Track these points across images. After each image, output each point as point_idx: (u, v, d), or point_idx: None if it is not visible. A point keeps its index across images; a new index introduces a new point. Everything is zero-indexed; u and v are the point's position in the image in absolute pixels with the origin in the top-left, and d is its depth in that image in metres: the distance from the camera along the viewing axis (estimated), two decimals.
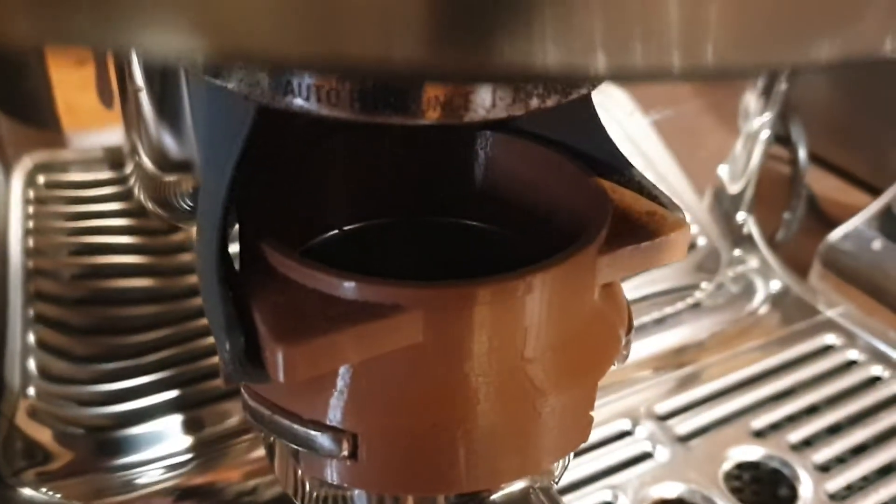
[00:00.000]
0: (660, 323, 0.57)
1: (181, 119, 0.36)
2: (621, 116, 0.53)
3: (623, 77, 0.18)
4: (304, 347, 0.22)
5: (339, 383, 0.25)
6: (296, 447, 0.26)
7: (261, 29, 0.13)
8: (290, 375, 0.23)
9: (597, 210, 0.27)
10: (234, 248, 0.27)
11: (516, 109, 0.23)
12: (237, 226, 0.27)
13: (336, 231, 0.31)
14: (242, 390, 0.27)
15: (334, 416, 0.25)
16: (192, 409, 0.45)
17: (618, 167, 0.29)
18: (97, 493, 0.43)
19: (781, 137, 0.65)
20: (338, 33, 0.13)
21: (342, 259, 0.26)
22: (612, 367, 0.28)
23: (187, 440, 0.45)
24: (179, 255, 0.41)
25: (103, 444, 0.43)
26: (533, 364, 0.26)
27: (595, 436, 0.49)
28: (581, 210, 0.28)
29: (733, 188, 0.61)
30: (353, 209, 0.31)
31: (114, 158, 0.38)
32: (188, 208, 0.39)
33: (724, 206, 0.61)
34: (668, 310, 0.58)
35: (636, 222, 0.28)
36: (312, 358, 0.23)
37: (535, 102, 0.23)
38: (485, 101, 0.22)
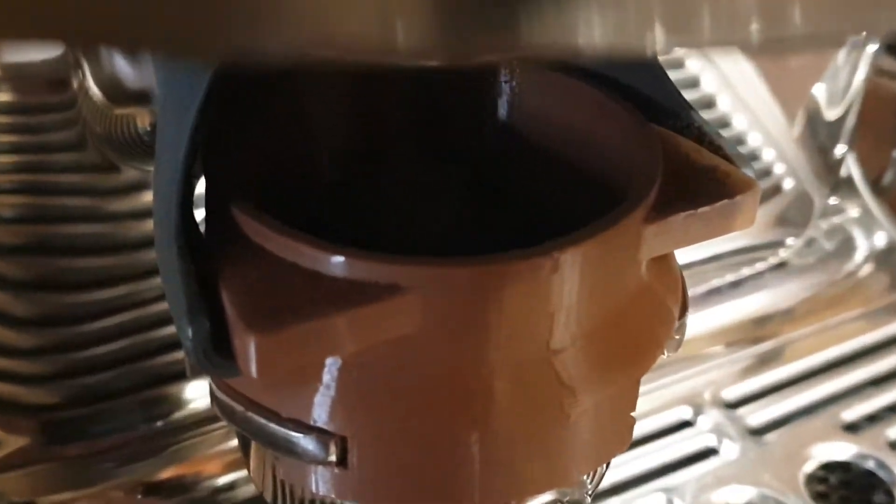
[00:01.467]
0: (735, 287, 0.57)
1: None
2: None
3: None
4: (281, 336, 0.23)
5: (326, 377, 0.26)
6: (274, 451, 0.27)
7: None
8: (264, 369, 0.23)
9: (644, 165, 0.27)
10: (199, 212, 0.27)
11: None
12: (203, 181, 0.28)
13: (324, 190, 0.32)
14: (210, 379, 0.28)
15: (319, 415, 0.26)
16: (156, 387, 0.46)
17: (673, 109, 0.30)
18: (45, 487, 0.44)
19: (895, 47, 0.64)
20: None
21: (331, 226, 0.27)
22: (662, 357, 0.29)
23: (151, 425, 0.46)
24: (136, 195, 0.42)
25: (50, 429, 0.45)
26: (561, 356, 0.26)
27: (646, 426, 0.49)
28: (625, 164, 0.29)
29: (831, 113, 0.60)
30: (345, 162, 0.32)
31: (56, 77, 0.38)
32: (144, 144, 0.39)
33: (818, 137, 0.61)
34: (746, 271, 0.58)
35: (693, 181, 0.28)
36: (292, 349, 0.23)
37: None
38: None
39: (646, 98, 0.30)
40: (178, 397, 0.46)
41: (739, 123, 0.56)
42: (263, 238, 0.25)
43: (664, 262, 0.29)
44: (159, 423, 0.46)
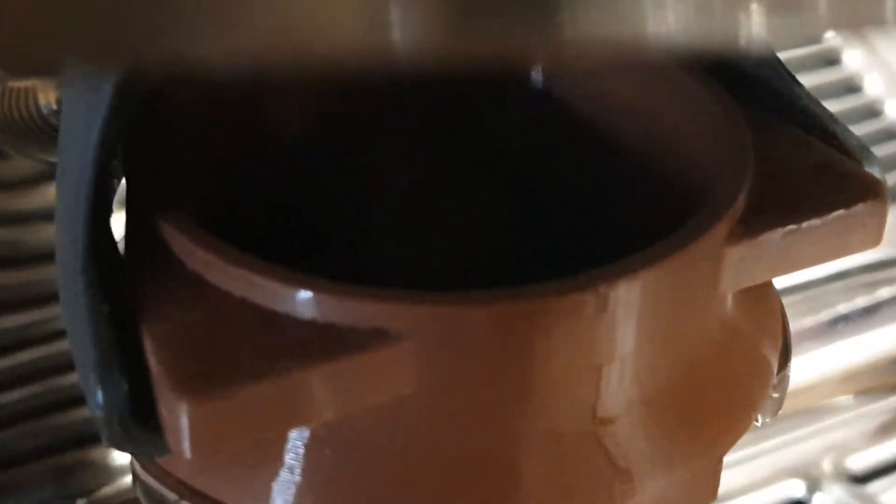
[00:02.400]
0: (867, 315, 0.57)
1: None
2: None
3: None
4: (225, 402, 0.23)
5: (289, 457, 0.25)
6: None
7: None
8: (201, 446, 0.23)
9: (728, 162, 0.27)
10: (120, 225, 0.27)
11: None
12: (124, 185, 0.28)
13: (294, 202, 0.32)
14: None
15: None
16: (74, 450, 0.46)
17: (769, 83, 0.30)
18: None
19: None
20: None
21: (298, 246, 0.27)
22: (755, 425, 0.29)
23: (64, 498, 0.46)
24: (35, 191, 0.42)
25: None
26: (612, 427, 0.26)
27: None
28: (701, 160, 0.28)
29: None
30: (325, 163, 0.32)
31: None
32: (49, 127, 0.39)
33: None
34: (884, 293, 0.58)
35: (797, 183, 0.28)
36: (240, 419, 0.23)
37: None
38: None
39: (730, 69, 0.30)
40: (104, 465, 0.47)
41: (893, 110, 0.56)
42: (203, 265, 0.25)
43: (757, 293, 0.29)
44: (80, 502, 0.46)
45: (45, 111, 0.39)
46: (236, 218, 0.28)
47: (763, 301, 0.29)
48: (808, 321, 0.51)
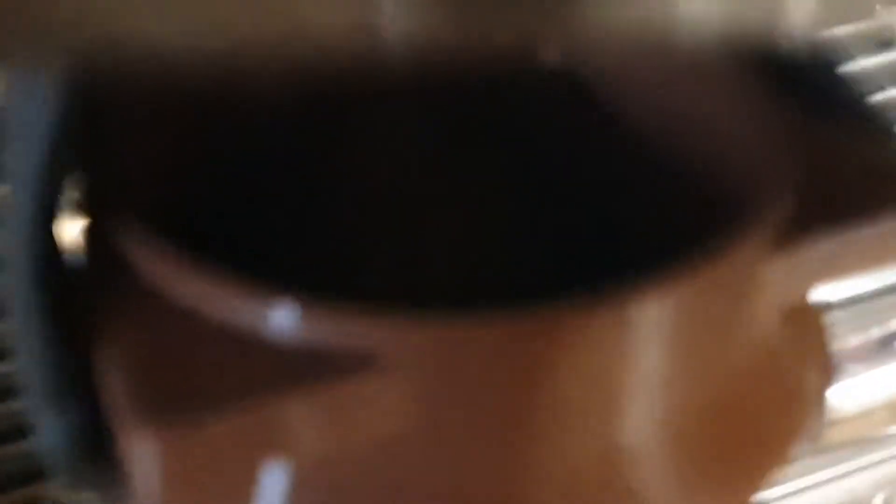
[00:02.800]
0: None
1: None
2: None
3: None
4: (194, 434, 0.23)
5: (266, 495, 0.25)
6: None
7: None
8: (168, 484, 0.23)
9: (772, 164, 0.28)
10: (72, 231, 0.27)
11: None
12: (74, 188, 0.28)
13: (271, 205, 0.32)
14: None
15: None
16: (30, 484, 0.47)
17: (817, 77, 0.30)
18: None
19: None
20: None
21: (274, 254, 0.27)
22: (793, 458, 0.29)
23: None
24: None
25: None
26: (634, 455, 0.26)
27: None
28: (743, 162, 0.29)
29: None
30: (302, 155, 0.32)
31: None
32: None
33: None
34: None
35: (846, 187, 0.28)
36: (209, 452, 0.23)
37: None
38: None
39: (776, 63, 0.30)
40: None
41: None
42: (168, 279, 0.25)
43: (799, 309, 0.29)
44: None
45: None
46: (209, 231, 0.28)
47: (802, 316, 0.30)
48: (856, 339, 0.50)
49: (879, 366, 0.54)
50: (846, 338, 0.50)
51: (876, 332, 0.55)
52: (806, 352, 0.29)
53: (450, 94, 0.32)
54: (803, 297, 0.29)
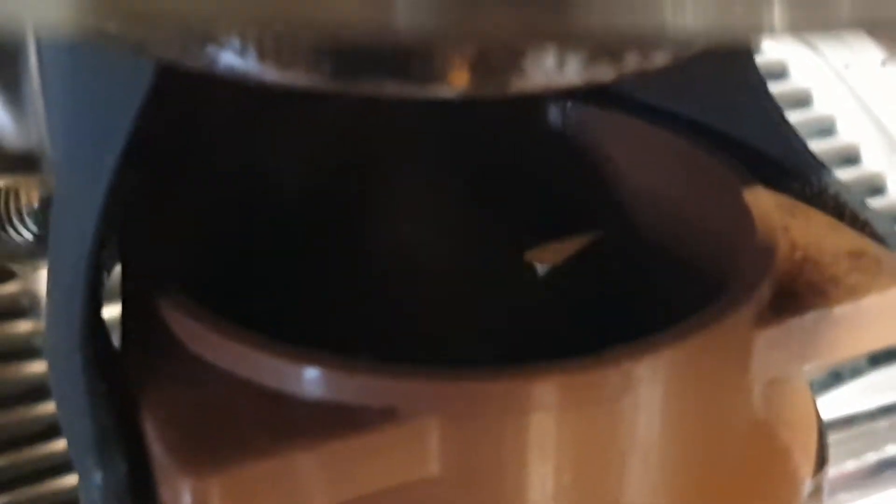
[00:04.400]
0: None
1: (20, 85, 0.38)
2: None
3: None
4: (229, 479, 0.24)
5: None
6: None
7: None
8: None
9: (756, 247, 0.29)
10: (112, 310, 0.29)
11: (601, 72, 0.25)
12: (119, 269, 0.30)
13: (290, 270, 0.34)
14: None
15: None
16: None
17: (799, 169, 0.31)
18: None
19: None
20: None
21: (301, 321, 0.28)
22: None
23: None
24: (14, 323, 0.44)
25: None
26: None
27: None
28: (726, 246, 0.30)
29: None
30: (320, 238, 0.34)
31: None
32: (29, 236, 0.41)
33: None
34: None
35: (829, 269, 0.29)
36: (239, 496, 0.25)
37: (632, 61, 0.25)
38: (547, 60, 0.24)
39: (761, 155, 0.32)
40: None
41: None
42: (204, 345, 0.27)
43: (788, 388, 0.30)
44: None
45: (24, 213, 0.40)
46: (234, 289, 0.30)
47: (794, 398, 0.31)
48: (850, 465, 0.51)
49: (873, 493, 0.53)
50: (840, 463, 0.50)
51: (871, 458, 0.55)
52: (795, 430, 0.30)
53: (459, 152, 0.34)
54: (792, 374, 0.30)
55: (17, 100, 0.39)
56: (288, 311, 0.30)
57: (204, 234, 0.32)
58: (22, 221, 0.41)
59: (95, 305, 0.27)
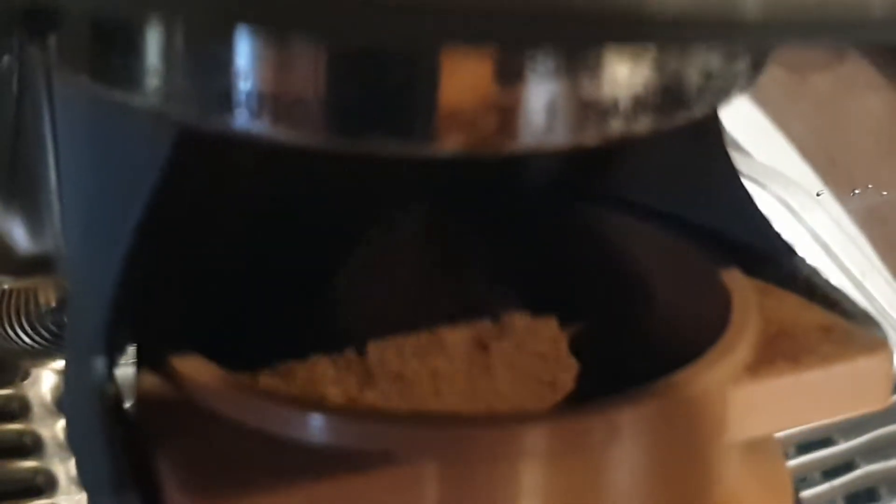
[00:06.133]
0: None
1: (37, 192, 0.40)
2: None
3: None
4: None
5: None
6: None
7: None
8: None
9: (734, 321, 0.31)
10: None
11: (587, 135, 0.27)
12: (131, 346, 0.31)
13: (297, 328, 0.35)
14: None
15: None
16: None
17: (771, 254, 0.33)
18: None
19: None
20: None
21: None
22: None
23: None
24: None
25: None
26: None
27: None
28: (711, 325, 0.31)
29: None
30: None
31: None
32: (47, 338, 0.42)
33: None
34: None
35: (802, 343, 0.31)
36: None
37: (616, 125, 0.27)
38: (535, 121, 0.26)
39: (735, 242, 0.34)
40: None
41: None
42: (215, 399, 0.28)
43: (762, 451, 0.31)
44: None
45: (44, 310, 0.42)
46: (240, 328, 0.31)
47: (768, 461, 0.32)
48: None
49: None
50: None
51: None
52: (770, 492, 0.31)
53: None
54: (768, 438, 0.32)
55: (33, 204, 0.41)
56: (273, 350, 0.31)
57: (210, 291, 0.33)
58: (40, 323, 0.42)
59: (113, 355, 0.28)
